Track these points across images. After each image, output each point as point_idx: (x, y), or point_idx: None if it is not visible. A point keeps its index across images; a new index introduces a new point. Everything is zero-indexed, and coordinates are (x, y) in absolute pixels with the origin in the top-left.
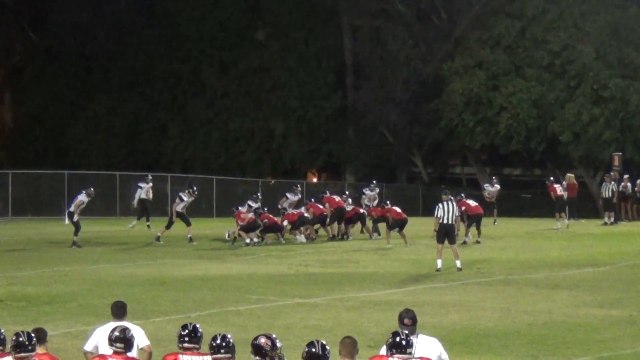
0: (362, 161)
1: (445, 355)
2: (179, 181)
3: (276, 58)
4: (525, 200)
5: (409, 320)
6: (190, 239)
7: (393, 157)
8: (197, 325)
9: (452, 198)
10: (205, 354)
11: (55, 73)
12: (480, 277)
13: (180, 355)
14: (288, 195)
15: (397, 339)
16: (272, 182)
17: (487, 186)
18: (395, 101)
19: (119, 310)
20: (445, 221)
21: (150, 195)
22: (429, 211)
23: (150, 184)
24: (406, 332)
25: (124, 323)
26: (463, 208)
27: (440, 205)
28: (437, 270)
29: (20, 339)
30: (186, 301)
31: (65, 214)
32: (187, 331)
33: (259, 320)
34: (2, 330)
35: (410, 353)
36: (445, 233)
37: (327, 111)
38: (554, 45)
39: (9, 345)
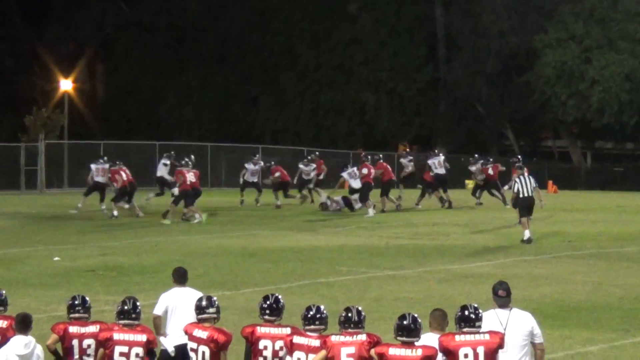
0: (453, 134)
1: (537, 330)
2: (270, 152)
3: (368, 31)
4: (617, 174)
5: (503, 292)
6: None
7: (485, 130)
8: (279, 297)
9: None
10: (285, 326)
11: (147, 45)
12: (572, 250)
13: (258, 327)
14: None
15: (466, 312)
16: (363, 154)
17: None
18: (486, 74)
19: (181, 277)
20: (525, 194)
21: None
22: None
23: (258, 166)
24: (475, 305)
25: (186, 289)
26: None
27: (517, 179)
28: (525, 240)
29: (125, 307)
30: (276, 272)
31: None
32: (268, 303)
33: (349, 292)
34: (88, 299)
35: (479, 327)
36: (527, 205)
37: (419, 84)
38: None
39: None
